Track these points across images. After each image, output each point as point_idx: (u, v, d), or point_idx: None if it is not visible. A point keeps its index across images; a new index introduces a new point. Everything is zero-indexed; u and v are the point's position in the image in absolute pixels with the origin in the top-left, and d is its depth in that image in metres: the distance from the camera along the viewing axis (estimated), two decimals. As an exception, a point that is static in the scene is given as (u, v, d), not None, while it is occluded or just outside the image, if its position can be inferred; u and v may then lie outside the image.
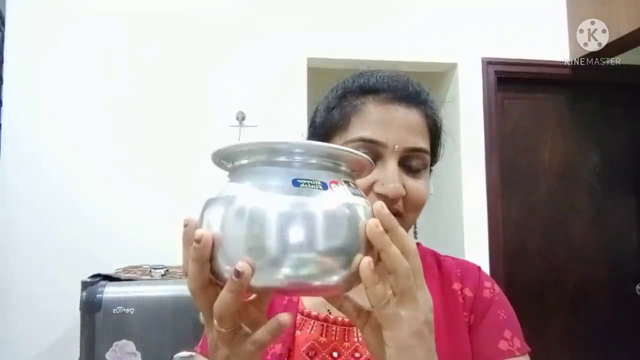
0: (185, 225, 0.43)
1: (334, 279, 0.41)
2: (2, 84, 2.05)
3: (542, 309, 2.40)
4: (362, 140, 0.63)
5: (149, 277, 1.68)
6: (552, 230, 2.45)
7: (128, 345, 1.57)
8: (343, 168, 0.45)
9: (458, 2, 2.38)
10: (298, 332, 0.67)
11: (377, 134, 0.63)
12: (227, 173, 0.48)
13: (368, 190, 0.62)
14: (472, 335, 0.65)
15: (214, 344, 0.47)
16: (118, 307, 1.54)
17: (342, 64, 2.22)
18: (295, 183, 0.41)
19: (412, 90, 0.66)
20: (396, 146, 0.62)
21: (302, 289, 0.42)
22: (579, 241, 2.46)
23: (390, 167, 0.62)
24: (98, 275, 1.65)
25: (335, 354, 0.65)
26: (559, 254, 2.44)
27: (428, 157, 0.66)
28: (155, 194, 2.07)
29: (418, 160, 0.65)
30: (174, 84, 2.16)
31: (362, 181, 0.62)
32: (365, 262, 0.41)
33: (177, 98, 2.15)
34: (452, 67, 2.40)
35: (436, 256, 0.74)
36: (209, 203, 0.44)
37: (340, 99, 0.68)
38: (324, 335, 0.66)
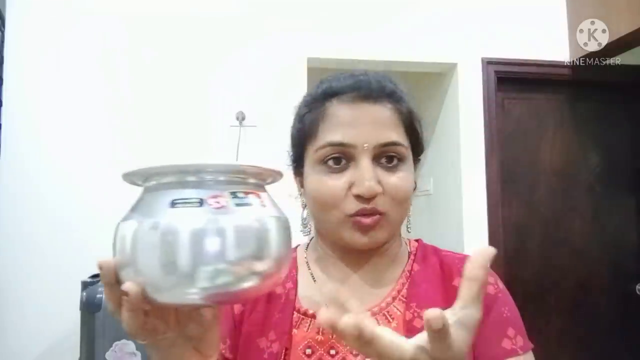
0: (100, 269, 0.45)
1: (233, 288, 0.43)
2: (2, 84, 2.05)
3: (541, 308, 2.40)
4: (331, 144, 0.63)
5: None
6: (552, 230, 2.45)
7: (128, 345, 1.58)
8: (236, 179, 0.46)
9: (458, 2, 2.38)
10: (295, 331, 0.67)
11: (344, 136, 0.63)
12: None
13: (346, 192, 0.62)
14: (475, 333, 0.65)
15: (147, 352, 0.51)
16: (118, 307, 1.54)
17: (342, 64, 2.22)
18: (172, 204, 0.43)
19: (375, 86, 0.65)
20: (365, 145, 0.62)
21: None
22: (579, 241, 2.46)
23: (363, 166, 0.62)
24: (98, 275, 1.65)
25: (332, 352, 0.65)
26: (559, 254, 2.44)
27: (404, 150, 0.65)
28: (155, 194, 2.07)
29: (393, 155, 0.64)
30: (174, 83, 2.16)
31: (340, 184, 0.62)
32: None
33: (177, 98, 2.15)
34: (452, 67, 2.40)
35: (438, 252, 0.74)
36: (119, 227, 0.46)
37: (308, 107, 0.68)
38: (320, 333, 0.66)
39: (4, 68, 2.05)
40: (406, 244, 0.75)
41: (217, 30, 2.19)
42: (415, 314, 0.65)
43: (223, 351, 0.68)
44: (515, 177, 2.44)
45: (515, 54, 2.38)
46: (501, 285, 0.70)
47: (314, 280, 0.72)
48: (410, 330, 0.64)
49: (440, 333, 0.36)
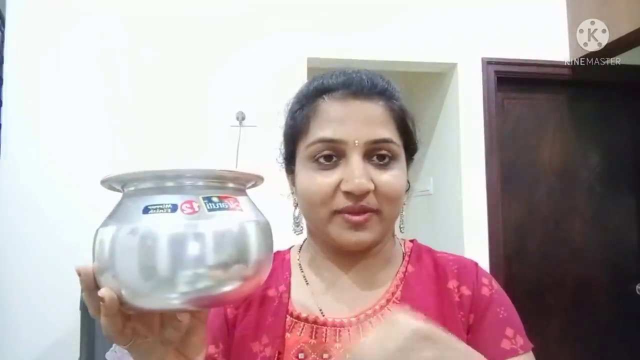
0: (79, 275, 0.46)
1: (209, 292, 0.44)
2: (2, 84, 2.05)
3: (541, 308, 2.40)
4: (322, 140, 0.63)
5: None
6: (552, 230, 2.45)
7: (128, 345, 1.57)
8: (215, 184, 0.46)
9: (458, 2, 2.38)
10: (288, 335, 0.66)
11: (335, 133, 0.62)
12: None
13: (335, 189, 0.61)
14: (473, 336, 0.64)
15: (131, 355, 0.51)
16: (118, 307, 1.54)
17: (342, 64, 2.20)
18: (145, 210, 0.43)
19: (367, 83, 0.65)
20: (356, 141, 0.61)
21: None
22: (579, 241, 2.46)
23: (353, 163, 0.61)
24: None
25: (325, 356, 0.64)
26: (559, 253, 2.44)
27: (397, 147, 0.64)
28: (155, 194, 2.06)
29: (384, 152, 0.63)
30: (174, 83, 2.16)
31: (329, 181, 0.61)
32: None
33: (177, 98, 2.15)
34: (452, 67, 2.40)
35: (432, 253, 0.73)
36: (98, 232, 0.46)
37: (300, 104, 0.68)
38: (313, 337, 0.65)
39: (4, 68, 2.05)
40: (401, 244, 0.74)
41: (217, 30, 2.19)
42: None
43: (216, 355, 0.67)
44: (515, 177, 2.44)
45: (515, 54, 2.38)
46: (496, 285, 0.69)
47: (307, 283, 0.71)
48: None
49: None
